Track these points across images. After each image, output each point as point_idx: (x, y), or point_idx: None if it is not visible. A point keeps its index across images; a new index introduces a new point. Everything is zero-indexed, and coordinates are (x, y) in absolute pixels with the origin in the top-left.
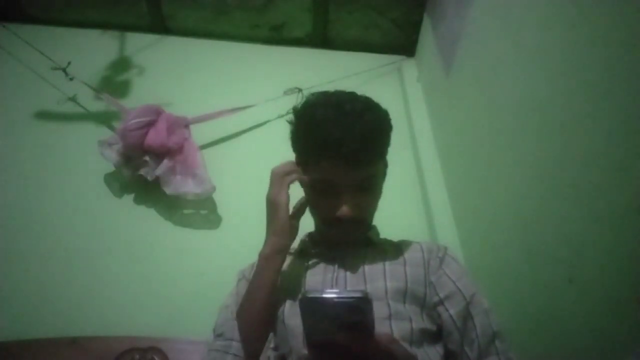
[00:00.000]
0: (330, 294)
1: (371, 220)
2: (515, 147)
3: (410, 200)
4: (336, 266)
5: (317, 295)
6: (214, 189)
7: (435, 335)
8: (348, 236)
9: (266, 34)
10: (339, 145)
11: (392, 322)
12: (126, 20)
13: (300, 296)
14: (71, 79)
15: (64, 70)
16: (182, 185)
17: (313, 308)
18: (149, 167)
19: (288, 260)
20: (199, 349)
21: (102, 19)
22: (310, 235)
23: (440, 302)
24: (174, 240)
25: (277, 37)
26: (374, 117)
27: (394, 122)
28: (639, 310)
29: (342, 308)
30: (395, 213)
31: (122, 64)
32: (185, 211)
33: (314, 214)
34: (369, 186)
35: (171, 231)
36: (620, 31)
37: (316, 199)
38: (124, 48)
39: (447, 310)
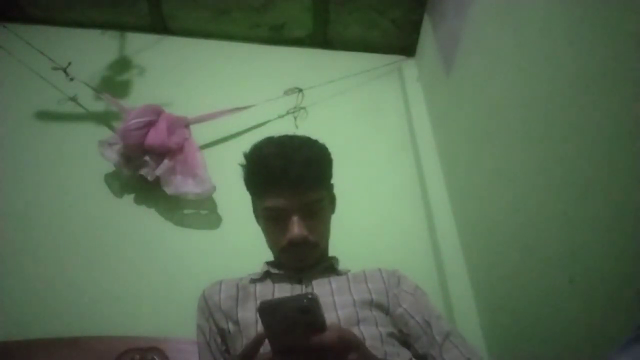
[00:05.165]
0: (283, 299)
1: (324, 245)
2: (515, 147)
3: (410, 201)
4: (303, 286)
5: (274, 301)
6: (214, 189)
7: (403, 339)
8: (301, 259)
9: (266, 34)
10: (283, 175)
11: (360, 327)
12: (126, 20)
13: (258, 305)
14: (71, 79)
15: (64, 70)
16: (183, 185)
17: (272, 315)
18: (149, 167)
19: (255, 286)
20: None
21: (102, 19)
22: (269, 263)
23: (405, 311)
24: (174, 240)
25: (277, 37)
26: (312, 149)
27: (394, 122)
28: (638, 310)
29: (295, 310)
30: (395, 214)
31: (122, 64)
32: (186, 211)
33: (270, 242)
34: (315, 211)
35: (171, 231)
36: (621, 30)
37: (270, 227)
38: (124, 48)
39: (412, 317)
